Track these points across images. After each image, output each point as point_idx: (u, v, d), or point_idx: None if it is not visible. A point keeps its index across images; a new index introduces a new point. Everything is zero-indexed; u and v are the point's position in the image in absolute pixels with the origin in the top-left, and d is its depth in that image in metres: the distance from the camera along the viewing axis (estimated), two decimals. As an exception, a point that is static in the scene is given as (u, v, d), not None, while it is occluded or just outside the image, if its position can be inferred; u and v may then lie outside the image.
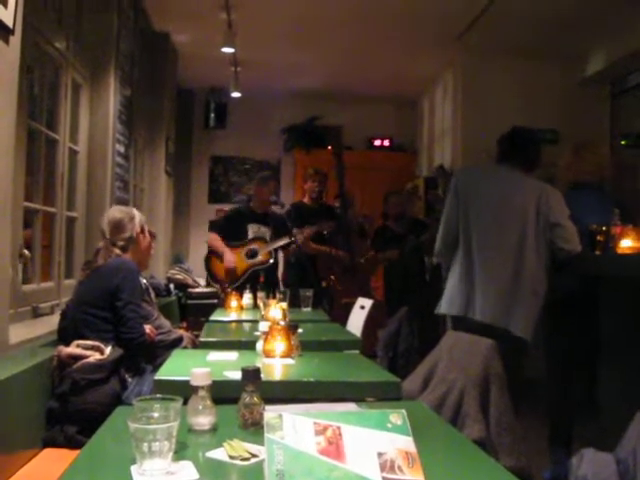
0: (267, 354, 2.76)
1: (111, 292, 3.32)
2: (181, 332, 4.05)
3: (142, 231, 3.74)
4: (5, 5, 2.83)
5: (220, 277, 6.02)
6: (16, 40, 3.02)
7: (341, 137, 9.30)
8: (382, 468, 1.26)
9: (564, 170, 4.31)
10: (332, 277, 6.63)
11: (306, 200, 6.62)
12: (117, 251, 3.56)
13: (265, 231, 6.02)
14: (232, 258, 5.86)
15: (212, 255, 6.07)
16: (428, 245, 6.14)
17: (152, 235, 3.90)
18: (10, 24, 2.90)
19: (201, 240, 9.49)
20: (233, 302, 5.00)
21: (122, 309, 3.31)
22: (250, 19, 6.49)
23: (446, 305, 3.87)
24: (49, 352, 3.12)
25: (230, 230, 6.00)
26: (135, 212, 3.77)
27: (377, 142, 9.97)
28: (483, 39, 6.87)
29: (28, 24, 3.50)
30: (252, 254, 5.89)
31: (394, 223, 7.11)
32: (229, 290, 5.44)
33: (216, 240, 6.00)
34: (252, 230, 6.01)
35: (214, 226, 6.35)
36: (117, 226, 3.64)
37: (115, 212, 3.75)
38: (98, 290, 3.36)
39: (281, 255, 6.42)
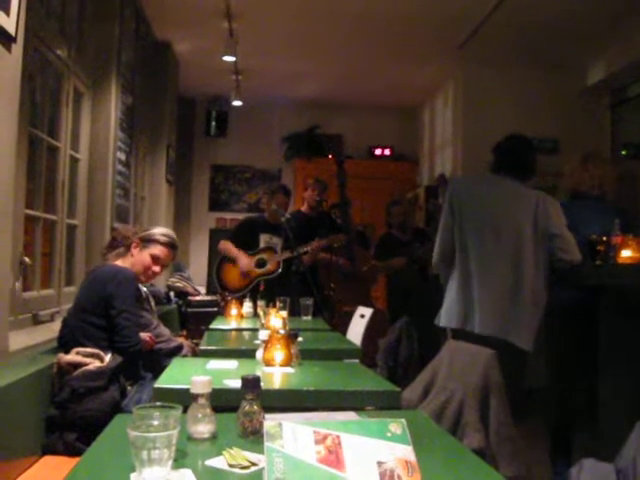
0: (267, 363, 2.76)
1: (105, 299, 3.30)
2: (181, 340, 4.04)
3: (143, 245, 3.69)
4: (7, 13, 2.84)
5: (230, 285, 6.02)
6: (18, 48, 3.03)
7: (342, 146, 9.35)
8: (382, 477, 1.26)
9: (567, 178, 4.32)
10: (332, 286, 6.62)
11: (304, 209, 6.62)
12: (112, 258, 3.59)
13: (277, 241, 6.02)
14: (246, 263, 5.88)
15: (225, 262, 6.06)
16: (429, 255, 6.15)
17: (156, 260, 3.77)
18: (12, 32, 2.91)
19: (202, 248, 9.55)
20: (233, 310, 4.99)
21: (116, 317, 3.29)
22: (251, 28, 6.51)
23: (445, 318, 3.86)
24: (49, 359, 3.12)
25: (242, 239, 6.01)
26: (153, 228, 3.84)
27: (378, 151, 9.97)
28: (484, 49, 6.88)
29: (30, 32, 3.51)
30: (261, 264, 5.90)
31: (398, 231, 7.13)
32: (229, 298, 5.44)
33: (231, 247, 6.00)
34: (263, 239, 6.03)
35: (227, 234, 6.37)
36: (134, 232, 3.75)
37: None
38: (93, 297, 3.34)
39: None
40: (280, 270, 5.89)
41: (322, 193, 6.56)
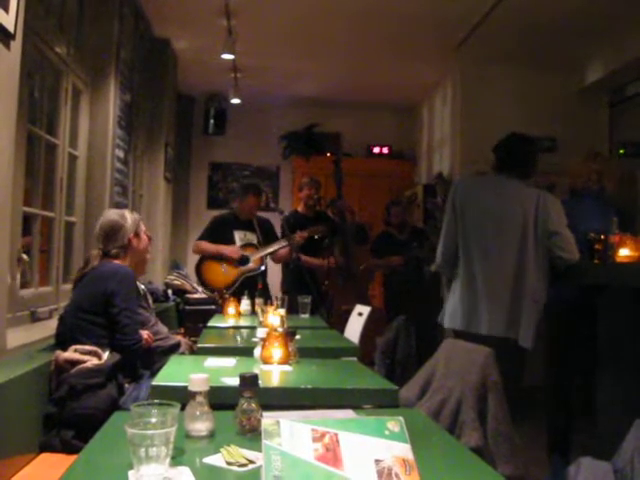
0: (265, 360, 2.76)
1: (106, 297, 3.28)
2: (179, 338, 4.04)
3: (136, 234, 3.66)
4: (6, 10, 2.84)
5: (213, 284, 6.01)
6: (17, 45, 3.02)
7: (340, 144, 9.35)
8: (379, 475, 1.26)
9: (568, 175, 4.35)
10: (326, 283, 6.60)
11: (300, 209, 6.61)
12: (111, 259, 3.54)
13: (252, 237, 6.01)
14: (232, 248, 5.86)
15: (204, 262, 6.04)
16: (427, 254, 6.15)
17: (149, 238, 3.84)
18: (11, 29, 2.90)
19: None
20: (231, 308, 4.99)
21: (117, 315, 3.28)
22: (250, 26, 6.50)
23: (449, 319, 3.86)
24: (47, 357, 3.12)
25: (217, 238, 5.99)
26: (128, 216, 3.67)
27: (376, 149, 9.96)
28: (482, 47, 6.88)
29: (29, 29, 3.50)
30: (243, 261, 5.88)
31: (396, 230, 7.13)
32: (227, 296, 5.44)
33: (206, 245, 5.98)
34: (238, 236, 6.01)
35: (200, 236, 6.33)
36: (109, 235, 3.58)
37: (107, 219, 3.64)
38: (93, 295, 3.32)
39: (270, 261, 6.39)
40: (264, 266, 5.89)
41: (318, 191, 6.57)
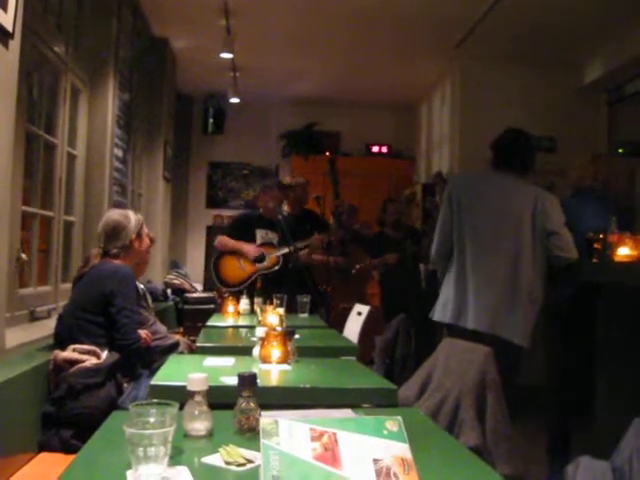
0: (264, 360, 2.76)
1: (105, 297, 3.29)
2: (177, 337, 4.04)
3: (138, 235, 3.68)
4: (5, 9, 2.84)
5: (229, 280, 5.99)
6: (15, 44, 3.02)
7: (339, 143, 9.35)
8: (378, 475, 1.26)
9: (574, 173, 4.35)
10: (327, 287, 6.59)
11: (287, 209, 6.55)
12: (111, 259, 3.54)
13: (273, 236, 6.00)
14: (251, 247, 5.86)
15: (224, 257, 6.03)
16: (424, 252, 6.14)
17: (151, 240, 3.86)
18: (10, 28, 2.90)
19: (199, 245, 9.55)
20: (230, 307, 4.99)
21: (116, 315, 3.28)
22: (249, 25, 6.50)
23: (439, 313, 3.85)
24: (45, 356, 3.12)
25: (238, 235, 5.98)
26: (131, 217, 3.67)
27: (375, 148, 9.96)
28: (481, 47, 6.88)
29: (28, 28, 3.50)
30: (260, 259, 5.88)
31: (391, 230, 7.11)
32: (226, 295, 5.43)
33: (228, 240, 5.98)
34: (260, 235, 6.00)
35: (223, 230, 6.35)
36: (111, 234, 3.58)
37: (110, 219, 3.64)
38: (92, 295, 3.33)
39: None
40: (279, 265, 5.88)
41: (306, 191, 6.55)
